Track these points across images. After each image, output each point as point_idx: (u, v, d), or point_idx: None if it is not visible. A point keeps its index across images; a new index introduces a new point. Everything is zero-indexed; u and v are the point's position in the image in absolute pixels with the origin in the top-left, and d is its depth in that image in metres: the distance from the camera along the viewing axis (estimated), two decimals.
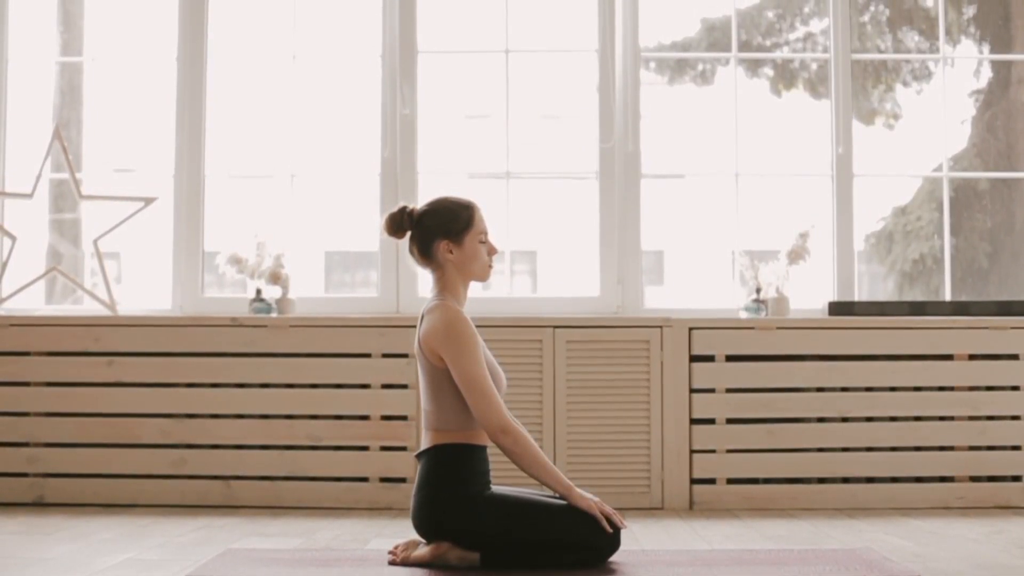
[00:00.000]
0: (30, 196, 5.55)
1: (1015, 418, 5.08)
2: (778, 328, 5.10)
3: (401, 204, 3.68)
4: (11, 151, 5.73)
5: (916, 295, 7.50)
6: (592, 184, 5.60)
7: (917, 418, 5.08)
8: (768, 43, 7.54)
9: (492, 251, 3.68)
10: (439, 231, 3.61)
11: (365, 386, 5.07)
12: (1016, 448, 5.08)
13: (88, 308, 5.61)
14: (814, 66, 7.27)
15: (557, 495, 3.58)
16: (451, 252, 3.61)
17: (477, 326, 3.63)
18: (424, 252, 3.64)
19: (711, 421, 5.06)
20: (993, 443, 5.07)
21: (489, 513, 3.49)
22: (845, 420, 5.07)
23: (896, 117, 7.50)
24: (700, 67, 7.97)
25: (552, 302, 5.53)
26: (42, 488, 5.08)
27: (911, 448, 5.07)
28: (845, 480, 5.07)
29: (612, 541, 3.54)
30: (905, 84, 7.41)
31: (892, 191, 7.69)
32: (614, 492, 4.95)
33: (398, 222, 3.65)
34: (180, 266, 5.57)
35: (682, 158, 8.75)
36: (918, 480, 5.07)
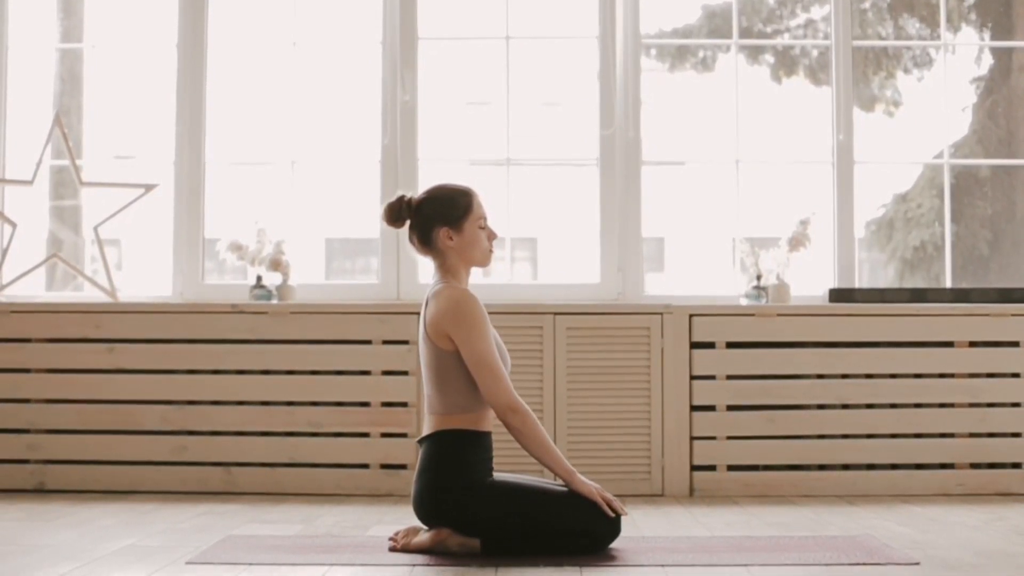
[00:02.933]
0: (30, 183, 5.55)
1: (1015, 405, 5.09)
2: (778, 315, 5.10)
3: (399, 193, 3.68)
4: (11, 138, 5.72)
5: (917, 282, 7.50)
6: (593, 171, 5.60)
7: (917, 405, 5.09)
8: (769, 30, 7.54)
9: (492, 236, 3.68)
10: (438, 218, 3.61)
11: (366, 373, 5.08)
12: (1016, 435, 5.08)
13: (88, 295, 5.61)
14: (815, 53, 7.26)
15: (558, 480, 3.59)
16: (451, 239, 3.61)
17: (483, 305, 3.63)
18: (424, 240, 3.64)
19: (711, 408, 5.06)
20: (993, 430, 5.08)
21: (490, 499, 3.50)
22: (845, 407, 5.08)
23: (897, 104, 7.49)
24: (701, 54, 7.96)
25: (553, 289, 5.53)
26: (43, 475, 5.09)
27: (911, 435, 5.08)
28: (845, 467, 5.08)
29: (613, 527, 3.55)
30: (906, 71, 7.40)
31: (893, 178, 7.68)
32: (614, 479, 4.96)
33: (397, 211, 3.65)
34: (181, 253, 5.57)
35: (683, 145, 8.74)
36: (918, 467, 5.08)
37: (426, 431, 3.61)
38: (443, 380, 3.56)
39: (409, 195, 3.68)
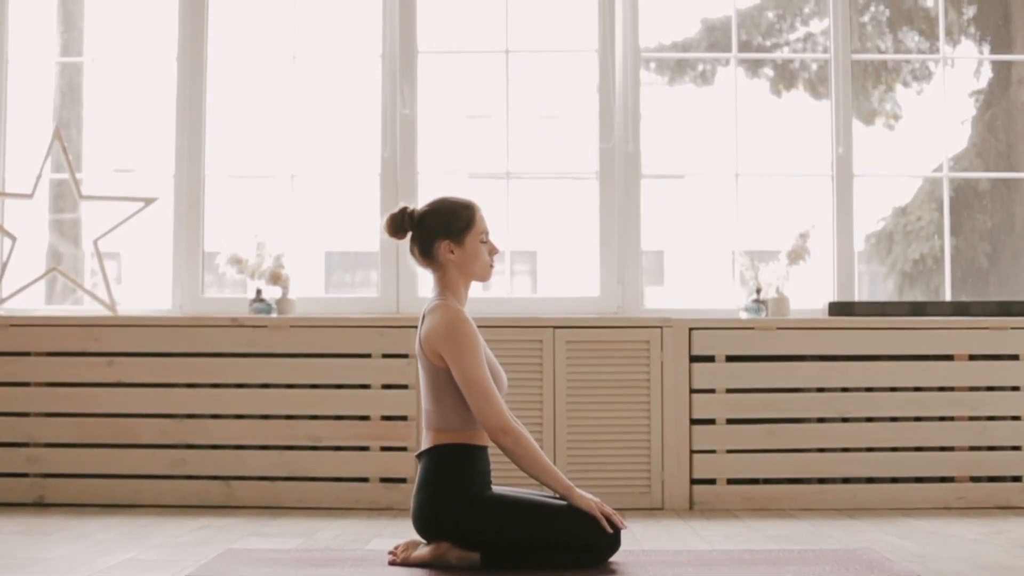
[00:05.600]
0: (30, 196, 5.56)
1: (1015, 418, 5.09)
2: (778, 328, 5.10)
3: (402, 205, 3.68)
4: (11, 151, 5.73)
5: (916, 295, 7.50)
6: (592, 184, 5.60)
7: (917, 418, 5.08)
8: (768, 43, 7.54)
9: (493, 251, 3.68)
10: (440, 231, 3.61)
11: (365, 386, 5.07)
12: (1016, 448, 5.08)
13: (88, 308, 5.61)
14: (814, 66, 7.26)
15: (557, 495, 3.58)
16: (452, 252, 3.61)
17: (477, 326, 3.63)
18: (425, 253, 3.64)
19: (711, 421, 5.06)
20: (993, 443, 5.08)
21: (489, 513, 3.49)
22: (845, 420, 5.07)
23: (896, 117, 7.49)
24: (700, 67, 7.97)
25: (552, 302, 5.53)
26: (42, 488, 5.08)
27: (911, 448, 5.07)
28: (845, 480, 5.07)
29: (612, 541, 3.54)
30: (905, 84, 7.40)
31: (892, 191, 7.68)
32: (614, 492, 4.95)
33: (399, 223, 3.65)
34: (180, 266, 5.57)
35: (682, 158, 8.74)
36: (918, 480, 5.07)
37: (424, 445, 3.60)
38: (440, 395, 3.56)
39: (412, 207, 3.68)
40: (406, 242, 3.69)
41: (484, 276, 3.69)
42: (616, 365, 5.07)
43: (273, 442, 5.06)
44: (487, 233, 3.67)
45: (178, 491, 5.06)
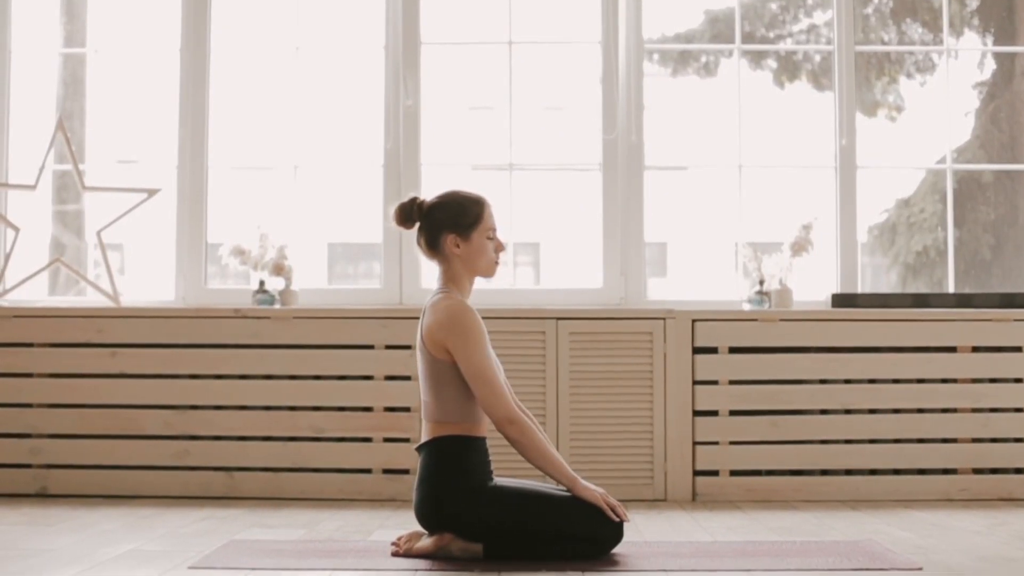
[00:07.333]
0: (33, 187, 5.56)
1: (1018, 410, 5.09)
2: (781, 320, 5.10)
3: (412, 195, 3.69)
4: (14, 142, 5.73)
5: (919, 287, 7.49)
6: (595, 176, 5.60)
7: (920, 410, 5.08)
8: (771, 35, 7.53)
9: (499, 248, 3.68)
10: (447, 224, 3.61)
11: (368, 378, 5.08)
12: (1019, 440, 5.08)
13: (91, 299, 5.62)
14: (817, 58, 7.26)
15: (561, 486, 3.58)
16: (458, 246, 3.61)
17: (480, 317, 3.63)
18: (431, 244, 3.64)
19: (714, 413, 5.06)
20: (996, 435, 5.07)
21: (492, 504, 3.50)
22: (848, 412, 5.07)
23: (899, 109, 7.48)
24: (703, 59, 7.96)
25: (555, 294, 5.53)
26: (45, 479, 5.09)
27: (914, 440, 5.07)
28: (848, 472, 5.07)
29: (615, 532, 3.54)
30: (908, 76, 7.39)
31: (895, 183, 7.67)
32: (617, 484, 4.95)
33: (408, 212, 3.66)
34: (183, 257, 5.57)
35: (685, 150, 8.74)
36: (921, 472, 5.07)
37: (424, 438, 3.61)
38: (440, 388, 3.56)
39: (422, 198, 3.68)
40: (410, 233, 3.70)
41: (489, 273, 3.69)
42: (619, 357, 5.07)
43: (276, 433, 5.07)
44: (494, 230, 3.67)
45: (181, 482, 5.07)
